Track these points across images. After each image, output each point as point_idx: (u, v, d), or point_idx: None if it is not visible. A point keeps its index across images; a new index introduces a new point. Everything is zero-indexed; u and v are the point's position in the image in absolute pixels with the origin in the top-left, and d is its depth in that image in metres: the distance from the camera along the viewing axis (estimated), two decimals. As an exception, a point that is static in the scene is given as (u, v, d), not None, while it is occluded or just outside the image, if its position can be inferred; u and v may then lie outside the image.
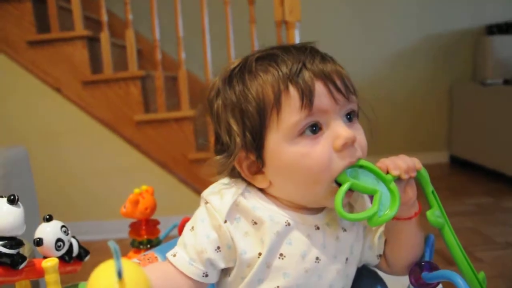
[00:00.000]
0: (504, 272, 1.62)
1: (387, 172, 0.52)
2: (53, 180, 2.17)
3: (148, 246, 0.80)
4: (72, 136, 2.15)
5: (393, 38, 3.26)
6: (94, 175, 2.17)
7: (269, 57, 0.54)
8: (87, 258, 0.73)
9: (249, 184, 0.57)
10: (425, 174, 0.56)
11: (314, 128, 0.51)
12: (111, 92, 2.06)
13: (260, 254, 0.53)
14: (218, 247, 0.54)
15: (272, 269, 0.54)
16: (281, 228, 0.53)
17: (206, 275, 0.55)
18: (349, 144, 0.51)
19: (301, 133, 0.51)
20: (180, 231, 0.71)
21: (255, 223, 0.54)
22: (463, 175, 3.05)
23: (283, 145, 0.51)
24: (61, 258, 0.68)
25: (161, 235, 0.84)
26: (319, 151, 0.50)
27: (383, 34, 3.25)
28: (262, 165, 0.54)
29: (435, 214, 0.54)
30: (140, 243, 0.80)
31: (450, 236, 0.54)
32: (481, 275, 0.54)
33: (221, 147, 0.56)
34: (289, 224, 0.54)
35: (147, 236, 0.80)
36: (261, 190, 0.57)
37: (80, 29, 2.04)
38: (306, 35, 2.55)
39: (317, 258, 0.54)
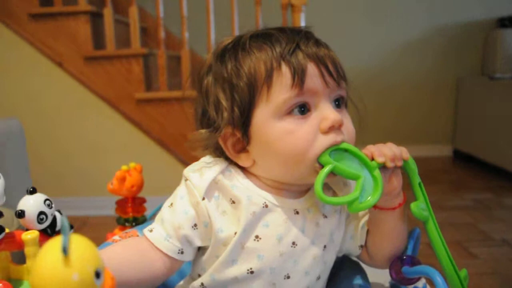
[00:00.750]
0: (498, 269, 1.61)
1: (372, 159, 0.52)
2: (50, 154, 2.18)
3: (134, 224, 0.80)
4: (72, 111, 2.14)
5: (401, 27, 3.20)
6: (92, 151, 2.17)
7: (263, 35, 0.54)
8: (71, 232, 0.72)
9: (231, 163, 0.56)
10: (412, 165, 0.55)
11: (302, 109, 0.51)
12: (113, 68, 2.05)
13: (235, 233, 0.53)
14: (195, 224, 0.54)
15: (246, 250, 0.53)
16: (258, 209, 0.53)
17: (182, 252, 0.54)
18: (336, 127, 0.51)
19: (289, 112, 0.51)
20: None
21: (233, 202, 0.54)
22: (466, 169, 3.02)
23: (270, 121, 0.51)
24: (43, 231, 0.67)
25: (148, 214, 0.84)
26: (304, 130, 0.51)
27: (391, 23, 3.20)
28: (247, 142, 0.54)
29: (419, 207, 0.52)
30: (126, 220, 0.80)
31: (433, 230, 0.52)
32: (463, 272, 0.53)
33: (207, 122, 0.56)
34: (266, 206, 0.54)
35: (133, 214, 0.79)
36: (243, 169, 0.56)
37: (84, 3, 2.02)
38: (313, 20, 2.52)
39: (293, 243, 0.54)
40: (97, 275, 0.28)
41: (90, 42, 2.03)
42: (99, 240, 0.97)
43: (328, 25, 3.14)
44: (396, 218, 0.57)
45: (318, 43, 0.54)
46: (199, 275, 0.57)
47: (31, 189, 0.66)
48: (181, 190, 0.56)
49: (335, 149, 0.51)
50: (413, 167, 0.55)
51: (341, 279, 0.60)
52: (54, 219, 0.70)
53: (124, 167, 0.79)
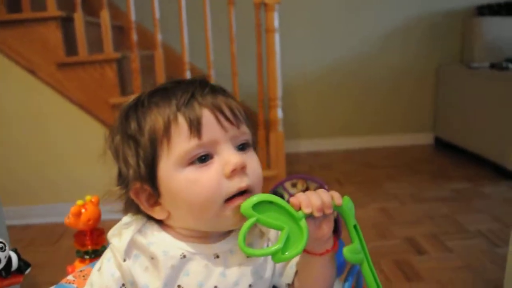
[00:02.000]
0: (471, 263, 1.64)
1: (300, 209, 0.51)
2: (31, 164, 2.17)
3: (93, 255, 0.80)
4: (48, 119, 2.12)
5: (380, 17, 3.19)
6: (70, 157, 2.16)
7: (161, 91, 0.56)
8: (28, 270, 0.73)
9: (150, 219, 0.58)
10: (347, 208, 0.54)
11: (204, 158, 0.53)
12: (86, 74, 2.03)
13: (159, 287, 0.55)
14: (123, 284, 0.56)
15: None
16: (176, 262, 0.55)
17: None
18: (238, 170, 0.52)
19: (191, 162, 0.53)
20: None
21: (152, 258, 0.55)
22: (446, 158, 3.06)
23: (173, 173, 0.53)
24: (-3, 274, 0.68)
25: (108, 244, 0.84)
26: (207, 177, 0.52)
27: (370, 13, 3.18)
28: (158, 195, 0.55)
29: (354, 251, 0.53)
30: (85, 253, 0.80)
31: (368, 272, 0.53)
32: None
33: (122, 180, 0.57)
34: (184, 256, 0.55)
35: (91, 247, 0.80)
36: (159, 222, 0.58)
37: (53, 9, 1.98)
38: (287, 17, 2.51)
39: (215, 287, 0.55)
40: None
41: (61, 48, 2.00)
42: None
43: (304, 21, 3.14)
44: (325, 264, 0.57)
45: (213, 90, 0.56)
46: None
47: (-18, 234, 0.67)
48: (107, 253, 0.58)
49: (260, 201, 0.50)
50: (348, 210, 0.54)
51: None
52: (9, 260, 0.71)
53: (79, 202, 0.79)
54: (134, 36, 2.03)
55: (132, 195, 0.56)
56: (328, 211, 0.52)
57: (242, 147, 0.56)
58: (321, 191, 0.54)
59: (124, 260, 0.55)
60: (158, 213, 0.56)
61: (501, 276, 1.17)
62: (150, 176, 0.54)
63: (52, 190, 2.20)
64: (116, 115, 0.59)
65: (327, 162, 3.08)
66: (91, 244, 0.80)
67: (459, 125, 3.02)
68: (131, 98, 0.59)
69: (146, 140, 0.54)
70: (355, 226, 0.55)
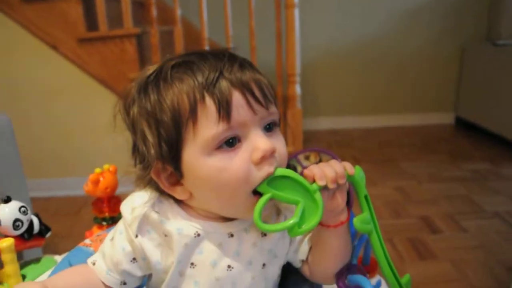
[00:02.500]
0: (485, 243, 1.64)
1: (314, 181, 0.51)
2: (47, 135, 2.23)
3: (111, 222, 0.84)
4: (68, 93, 2.17)
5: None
6: (89, 132, 2.21)
7: (184, 64, 0.51)
8: (48, 234, 0.77)
9: (162, 193, 0.56)
10: (359, 178, 0.54)
11: (231, 141, 0.50)
12: (106, 49, 2.05)
13: (173, 262, 0.55)
14: (134, 259, 0.56)
15: (184, 277, 0.55)
16: (190, 240, 0.54)
17: (124, 283, 0.57)
18: (268, 156, 0.50)
19: (218, 147, 0.49)
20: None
21: (166, 235, 0.54)
22: (466, 138, 3.01)
23: (200, 158, 0.50)
24: (20, 236, 0.72)
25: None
26: (236, 165, 0.49)
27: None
28: (181, 176, 0.52)
29: (364, 221, 0.53)
30: (103, 219, 0.84)
31: (377, 242, 0.53)
32: (405, 278, 0.55)
33: (139, 157, 0.55)
34: (198, 235, 0.54)
35: (109, 214, 0.83)
36: (174, 199, 0.56)
37: (74, -16, 2.00)
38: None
39: (229, 266, 0.55)
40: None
41: (82, 24, 2.03)
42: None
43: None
44: (339, 236, 0.56)
45: (242, 66, 0.51)
46: None
47: (6, 198, 0.71)
48: (120, 225, 0.57)
49: (275, 177, 0.50)
50: (359, 180, 0.54)
51: (289, 284, 0.63)
52: (31, 224, 0.75)
53: (97, 170, 0.82)
54: (154, 11, 2.04)
55: (152, 174, 0.53)
56: (342, 181, 0.51)
57: (269, 127, 0.53)
58: (334, 161, 0.53)
59: (136, 236, 0.54)
60: (179, 194, 0.54)
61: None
62: (173, 157, 0.51)
63: (69, 164, 2.27)
64: (132, 84, 0.55)
65: (345, 140, 3.07)
66: (109, 211, 0.83)
67: (481, 104, 2.96)
68: (150, 69, 0.54)
69: (168, 119, 0.50)
70: (365, 197, 0.54)
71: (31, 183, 1.47)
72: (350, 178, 0.53)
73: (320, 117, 3.29)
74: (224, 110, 0.48)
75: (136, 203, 0.55)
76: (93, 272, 0.57)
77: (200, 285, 0.55)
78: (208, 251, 0.55)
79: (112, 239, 0.58)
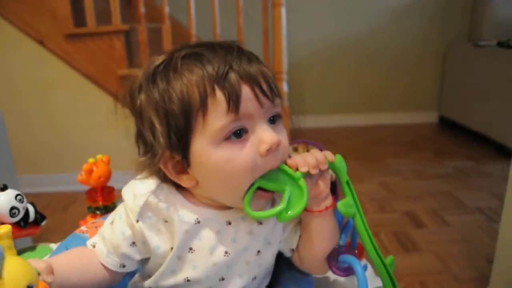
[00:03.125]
0: (467, 237, 1.69)
1: (297, 169, 0.54)
2: (41, 134, 2.22)
3: (104, 211, 0.85)
4: (57, 89, 2.16)
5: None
6: (77, 128, 2.21)
7: (194, 55, 0.52)
8: (43, 222, 0.78)
9: (164, 180, 0.57)
10: (339, 164, 0.57)
11: (239, 132, 0.51)
12: (94, 46, 2.05)
13: (172, 248, 0.57)
14: (133, 243, 0.57)
15: (182, 261, 0.57)
16: (190, 227, 0.56)
17: (123, 266, 0.58)
18: (273, 149, 0.52)
19: (227, 138, 0.51)
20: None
21: (166, 221, 0.56)
22: (450, 136, 3.08)
23: (209, 148, 0.51)
24: (17, 223, 0.73)
25: (119, 201, 0.89)
26: (244, 157, 0.51)
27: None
28: (188, 165, 0.54)
29: (347, 205, 0.56)
30: (96, 208, 0.85)
31: (361, 224, 0.56)
32: (389, 259, 0.58)
33: (145, 147, 0.55)
34: (198, 222, 0.56)
35: (102, 203, 0.84)
36: (176, 186, 0.57)
37: (61, -20, 2.00)
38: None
39: (226, 252, 0.57)
40: (29, 288, 0.33)
41: (70, 19, 2.02)
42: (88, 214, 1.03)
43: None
44: (324, 221, 0.59)
45: (250, 59, 0.53)
46: (149, 276, 0.61)
47: (2, 186, 0.71)
48: (120, 209, 0.58)
49: None
50: (340, 166, 0.57)
51: (282, 271, 0.65)
52: (27, 212, 0.75)
53: (90, 160, 0.83)
54: (142, 8, 2.05)
55: (160, 164, 0.54)
56: (323, 167, 0.55)
57: (273, 119, 0.54)
58: (315, 150, 0.57)
59: (137, 221, 0.55)
60: (185, 182, 0.55)
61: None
62: (182, 147, 0.52)
63: (59, 160, 2.26)
64: (138, 72, 0.55)
65: (331, 138, 3.11)
66: (102, 200, 0.84)
67: (464, 104, 3.03)
68: (158, 58, 0.54)
69: (178, 109, 0.50)
70: (347, 182, 0.57)
71: (21, 178, 1.47)
72: (331, 165, 0.57)
73: (307, 115, 3.32)
74: (234, 102, 0.49)
75: (138, 189, 0.56)
76: (94, 254, 0.59)
77: (198, 269, 0.57)
78: (207, 237, 0.57)
79: (111, 223, 0.59)
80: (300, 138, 0.83)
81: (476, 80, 2.87)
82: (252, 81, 0.51)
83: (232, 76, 0.50)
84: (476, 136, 2.88)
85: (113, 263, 0.58)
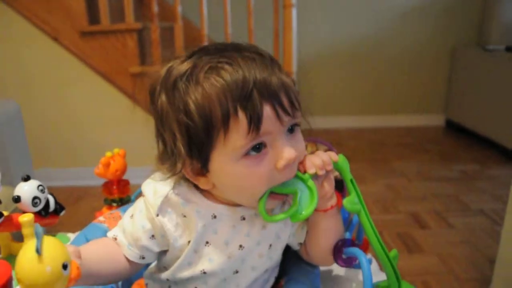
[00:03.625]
0: (470, 239, 1.71)
1: (305, 171, 0.57)
2: (53, 128, 2.27)
3: (120, 203, 0.89)
4: (70, 86, 2.21)
5: (399, -4, 3.19)
6: (92, 124, 2.25)
7: (217, 69, 0.52)
8: (62, 213, 0.81)
9: (183, 177, 0.59)
10: (343, 164, 0.61)
11: (258, 147, 0.53)
12: (108, 43, 2.10)
13: (189, 242, 0.60)
14: (153, 235, 0.60)
15: (199, 255, 0.61)
16: (207, 221, 0.59)
17: (143, 258, 0.62)
18: (291, 164, 0.54)
19: (246, 154, 0.53)
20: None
21: (184, 216, 0.60)
22: (456, 139, 3.09)
23: (228, 163, 0.53)
24: (38, 213, 0.76)
25: (134, 193, 0.93)
26: (261, 172, 0.53)
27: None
28: (206, 171, 0.56)
29: (352, 202, 0.60)
30: (112, 200, 0.89)
31: (365, 220, 0.60)
32: (393, 253, 0.61)
33: (165, 152, 0.57)
34: (215, 217, 0.59)
35: (118, 195, 0.88)
36: (194, 183, 0.59)
37: (76, -23, 2.04)
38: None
39: (240, 246, 0.60)
40: (64, 267, 0.37)
41: (84, 17, 2.07)
42: (99, 209, 1.06)
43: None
44: (329, 219, 0.62)
45: (271, 70, 0.53)
46: (165, 268, 0.65)
47: (26, 177, 0.75)
48: (140, 204, 0.62)
49: None
50: (344, 165, 0.61)
51: (291, 262, 0.69)
52: (47, 202, 0.79)
53: (108, 154, 0.87)
54: (155, 7, 2.08)
55: (179, 167, 0.56)
56: (329, 167, 0.58)
57: (291, 129, 0.56)
58: (319, 152, 0.60)
59: (157, 215, 0.59)
60: (203, 184, 0.58)
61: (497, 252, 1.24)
62: (202, 157, 0.54)
63: (71, 155, 2.31)
64: (159, 74, 0.57)
65: (338, 139, 3.13)
66: (118, 193, 0.88)
67: (471, 107, 3.04)
68: (180, 67, 0.54)
69: (199, 124, 0.52)
70: (351, 181, 0.61)
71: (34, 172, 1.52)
72: (335, 165, 0.60)
73: (313, 116, 3.33)
74: (255, 124, 0.51)
75: (158, 185, 0.60)
76: (116, 245, 0.62)
77: (214, 262, 0.61)
78: (222, 231, 0.60)
79: (131, 216, 0.62)
80: (310, 137, 0.86)
81: (483, 84, 2.89)
82: (274, 99, 0.52)
83: (255, 95, 0.50)
84: (482, 140, 2.90)
85: (133, 254, 0.61)
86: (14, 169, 1.11)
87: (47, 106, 2.24)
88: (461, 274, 1.49)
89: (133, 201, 0.92)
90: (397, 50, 3.28)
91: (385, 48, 3.27)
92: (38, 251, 0.35)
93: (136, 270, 0.64)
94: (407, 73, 3.33)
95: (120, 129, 2.18)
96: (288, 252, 0.68)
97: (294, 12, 2.03)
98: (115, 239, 0.62)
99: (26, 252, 0.36)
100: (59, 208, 0.82)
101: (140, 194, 0.95)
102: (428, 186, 2.25)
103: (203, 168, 0.56)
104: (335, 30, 3.22)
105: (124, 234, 0.62)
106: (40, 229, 0.36)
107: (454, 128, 3.27)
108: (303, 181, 0.57)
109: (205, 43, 2.13)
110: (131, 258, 0.61)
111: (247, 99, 0.50)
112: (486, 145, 2.84)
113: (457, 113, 3.24)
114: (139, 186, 0.94)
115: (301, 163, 0.57)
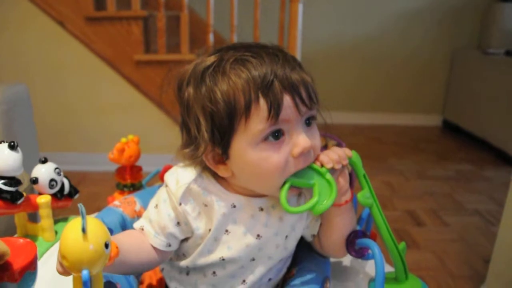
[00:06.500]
0: (465, 237, 1.75)
1: (322, 166, 0.59)
2: (53, 113, 2.27)
3: (132, 188, 0.90)
4: (73, 71, 2.21)
5: (401, -4, 3.21)
6: (93, 110, 2.25)
7: (242, 61, 0.56)
8: (76, 196, 0.83)
9: (204, 168, 0.63)
10: (356, 159, 0.63)
11: (276, 134, 0.56)
12: (113, 29, 2.09)
13: (210, 230, 0.63)
14: (178, 223, 0.63)
15: (218, 242, 0.64)
16: (227, 210, 0.62)
17: (169, 245, 0.64)
18: (305, 152, 0.57)
19: (265, 139, 0.56)
20: (161, 178, 0.80)
21: (206, 205, 0.62)
22: (452, 140, 3.13)
23: (247, 148, 0.56)
24: (54, 195, 0.78)
25: (144, 179, 0.94)
26: (278, 157, 0.56)
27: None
28: (227, 158, 0.59)
29: (365, 196, 0.62)
30: (125, 186, 0.90)
31: (377, 214, 0.63)
32: (401, 245, 0.64)
33: (188, 137, 0.61)
34: (234, 206, 0.62)
35: (130, 181, 0.90)
36: (214, 175, 0.63)
37: (84, -38, 2.03)
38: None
39: (258, 235, 0.63)
40: (106, 246, 0.39)
41: (91, 3, 2.06)
42: (98, 194, 1.07)
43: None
44: (343, 213, 0.64)
45: (293, 67, 0.57)
46: (184, 255, 0.68)
47: (43, 159, 0.76)
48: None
49: None
50: (357, 161, 0.63)
51: (303, 253, 0.71)
52: (63, 185, 0.81)
53: (123, 140, 0.88)
54: (162, -4, 2.08)
55: (201, 151, 0.59)
56: (344, 162, 0.61)
57: (308, 122, 0.59)
58: (335, 148, 0.63)
59: (180, 204, 0.62)
60: (222, 172, 0.61)
61: (492, 251, 1.28)
62: (224, 143, 0.57)
63: (68, 140, 2.31)
64: (187, 66, 0.61)
65: (336, 134, 3.14)
66: (131, 178, 0.90)
67: (468, 109, 3.08)
68: (208, 59, 0.59)
69: (223, 110, 0.55)
70: (364, 176, 0.63)
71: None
72: (349, 160, 0.63)
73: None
74: (275, 111, 0.54)
75: (181, 176, 0.63)
76: (144, 235, 0.64)
77: (233, 250, 0.64)
78: (241, 221, 0.63)
79: (156, 206, 0.65)
80: (321, 132, 0.89)
81: (481, 86, 2.92)
82: (294, 90, 0.56)
83: (276, 85, 0.55)
84: (477, 141, 2.94)
85: (160, 243, 0.64)
86: (22, 151, 1.12)
87: (47, 90, 2.24)
88: (455, 271, 1.52)
89: (144, 187, 0.94)
90: (398, 51, 3.30)
91: (387, 48, 3.29)
92: (84, 229, 0.37)
93: (162, 260, 0.66)
94: (407, 73, 3.36)
95: (122, 116, 2.19)
96: (300, 242, 0.70)
97: (300, 7, 2.04)
98: (142, 229, 0.65)
99: (72, 231, 0.37)
100: (74, 191, 0.83)
101: (151, 180, 0.97)
102: (425, 185, 2.29)
103: (224, 155, 0.59)
104: (339, 29, 3.24)
105: (151, 223, 0.64)
106: (83, 209, 0.38)
107: (450, 129, 3.32)
108: (321, 174, 0.59)
109: (210, 33, 2.14)
110: (157, 246, 0.64)
111: (268, 88, 0.54)
112: (481, 146, 2.89)
113: (454, 114, 3.28)
114: (149, 173, 0.96)
115: (317, 158, 0.60)
